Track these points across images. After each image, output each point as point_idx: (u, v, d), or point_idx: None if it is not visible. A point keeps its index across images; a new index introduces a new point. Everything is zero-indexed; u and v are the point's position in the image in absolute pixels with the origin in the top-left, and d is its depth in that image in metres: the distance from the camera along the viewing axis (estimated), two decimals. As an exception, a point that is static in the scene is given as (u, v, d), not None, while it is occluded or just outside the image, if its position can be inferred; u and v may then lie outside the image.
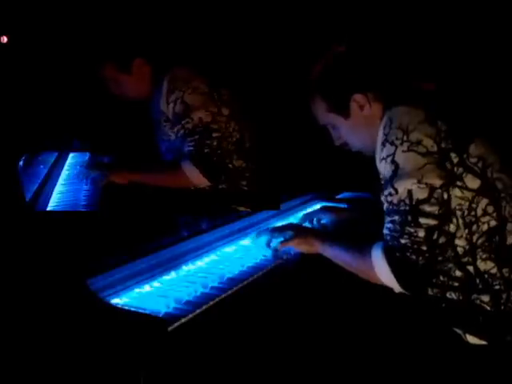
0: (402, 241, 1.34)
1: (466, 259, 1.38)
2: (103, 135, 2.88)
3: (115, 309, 1.29)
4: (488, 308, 1.37)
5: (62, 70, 2.95)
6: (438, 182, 1.34)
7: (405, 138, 1.36)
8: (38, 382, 1.36)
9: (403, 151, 1.36)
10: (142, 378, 1.20)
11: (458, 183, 1.36)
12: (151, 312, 1.28)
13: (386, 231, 1.40)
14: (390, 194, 1.38)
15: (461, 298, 1.39)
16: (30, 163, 2.19)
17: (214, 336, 1.36)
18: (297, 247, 1.69)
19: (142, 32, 2.23)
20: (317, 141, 3.01)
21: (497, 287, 1.37)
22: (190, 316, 1.27)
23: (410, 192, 1.34)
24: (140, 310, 1.29)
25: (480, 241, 1.38)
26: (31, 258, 1.40)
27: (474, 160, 1.38)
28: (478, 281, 1.38)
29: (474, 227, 1.37)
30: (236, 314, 1.43)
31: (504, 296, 1.36)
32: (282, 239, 1.72)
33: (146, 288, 1.46)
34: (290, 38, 3.08)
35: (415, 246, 1.33)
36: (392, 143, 1.38)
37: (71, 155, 2.76)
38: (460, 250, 1.38)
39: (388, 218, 1.39)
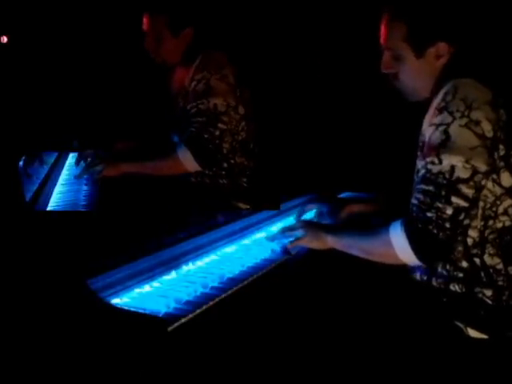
0: (428, 214, 1.33)
1: (474, 251, 1.40)
2: (103, 135, 2.88)
3: (115, 309, 1.29)
4: (490, 302, 1.38)
5: (61, 70, 2.95)
6: (483, 168, 1.33)
7: (466, 113, 1.33)
8: (37, 382, 1.36)
9: (460, 125, 1.33)
10: (142, 378, 1.20)
11: (494, 176, 1.36)
12: (151, 312, 1.28)
13: (414, 201, 1.38)
14: (433, 163, 1.35)
15: (464, 290, 1.40)
16: (30, 163, 2.19)
17: (214, 336, 1.36)
18: (308, 245, 1.68)
19: (206, 6, 2.26)
20: (317, 141, 3.02)
21: (500, 283, 1.38)
22: (190, 316, 1.27)
23: (453, 168, 1.33)
24: (140, 310, 1.29)
25: (491, 236, 1.39)
26: (31, 258, 1.40)
27: None
28: (482, 274, 1.39)
29: (490, 222, 1.39)
30: (236, 314, 1.43)
31: (506, 293, 1.38)
32: (292, 238, 1.72)
33: (146, 288, 1.46)
34: (294, 38, 3.09)
35: (439, 222, 1.32)
36: (451, 113, 1.34)
37: (71, 155, 2.75)
38: (470, 240, 1.39)
39: (422, 186, 1.37)
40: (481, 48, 1.54)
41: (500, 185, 1.37)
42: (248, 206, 2.05)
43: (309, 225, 1.76)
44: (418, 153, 1.45)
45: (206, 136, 2.07)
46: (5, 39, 2.82)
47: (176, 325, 1.23)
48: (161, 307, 1.30)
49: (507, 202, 1.38)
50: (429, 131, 1.39)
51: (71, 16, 2.91)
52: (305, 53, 3.20)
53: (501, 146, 1.36)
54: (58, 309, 1.30)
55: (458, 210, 1.32)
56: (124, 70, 2.98)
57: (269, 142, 2.48)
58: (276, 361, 1.69)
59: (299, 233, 1.71)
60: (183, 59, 2.19)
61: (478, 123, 1.33)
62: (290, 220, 2.14)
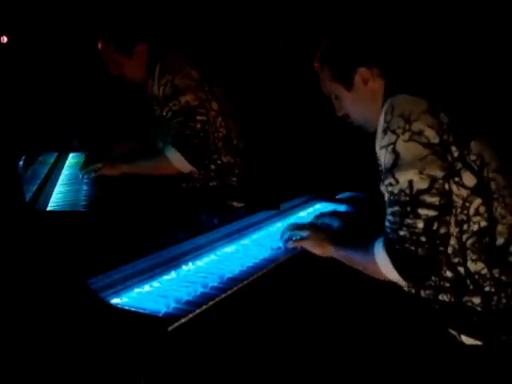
0: (401, 233, 1.34)
1: (456, 260, 1.37)
2: (103, 135, 2.88)
3: (115, 309, 1.29)
4: (479, 309, 1.36)
5: (61, 70, 2.95)
6: (439, 174, 1.33)
7: (406, 128, 1.34)
8: (37, 382, 1.36)
9: (404, 141, 1.34)
10: (142, 378, 1.20)
11: (456, 179, 1.35)
12: (151, 312, 1.28)
13: (386, 223, 1.39)
14: (391, 184, 1.37)
15: (452, 299, 1.39)
16: (30, 163, 2.19)
17: (214, 336, 1.36)
18: (310, 249, 1.68)
19: (149, 19, 2.27)
20: (317, 141, 3.02)
21: (487, 288, 1.35)
22: (190, 316, 1.27)
23: (410, 182, 1.33)
24: (140, 310, 1.29)
25: (470, 241, 1.37)
26: (31, 258, 1.40)
27: (473, 157, 1.37)
28: (468, 282, 1.37)
29: (465, 226, 1.37)
30: (236, 313, 1.43)
31: (495, 298, 1.35)
32: (297, 237, 1.72)
33: (146, 288, 1.46)
34: (294, 38, 3.09)
35: (414, 238, 1.32)
36: (393, 132, 1.36)
37: (71, 155, 2.76)
38: (450, 248, 1.37)
39: (389, 209, 1.38)
40: (405, 62, 1.56)
41: (464, 186, 1.35)
42: (242, 205, 2.06)
43: (316, 230, 1.74)
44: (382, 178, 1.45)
45: (187, 132, 2.10)
46: (5, 39, 2.83)
47: (176, 325, 1.23)
48: (161, 307, 1.30)
49: (476, 202, 1.36)
50: (381, 155, 1.41)
51: (71, 16, 2.91)
52: (305, 53, 3.19)
53: (453, 148, 1.35)
54: (58, 309, 1.30)
55: (428, 221, 1.32)
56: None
57: (269, 142, 2.48)
58: (275, 360, 1.69)
59: (305, 234, 1.71)
60: (147, 72, 2.23)
61: (420, 133, 1.34)
62: (291, 220, 2.14)
